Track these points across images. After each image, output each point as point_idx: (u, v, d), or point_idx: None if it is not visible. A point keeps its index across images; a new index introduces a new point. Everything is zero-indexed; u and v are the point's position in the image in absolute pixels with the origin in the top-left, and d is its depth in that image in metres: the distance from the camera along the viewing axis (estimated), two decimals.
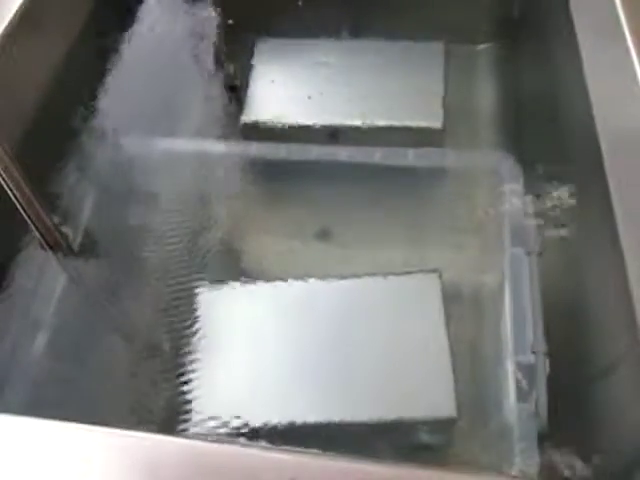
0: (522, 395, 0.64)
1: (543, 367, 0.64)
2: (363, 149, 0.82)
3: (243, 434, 0.64)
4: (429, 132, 0.85)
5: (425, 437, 0.65)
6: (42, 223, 0.68)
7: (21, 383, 0.67)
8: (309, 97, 0.89)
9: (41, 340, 0.69)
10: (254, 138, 0.87)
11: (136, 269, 0.76)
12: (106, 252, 0.76)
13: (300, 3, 0.96)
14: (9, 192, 0.65)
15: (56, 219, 0.70)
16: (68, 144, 0.80)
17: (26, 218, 0.66)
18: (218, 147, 0.86)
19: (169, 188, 0.81)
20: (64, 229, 0.72)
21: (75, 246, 0.74)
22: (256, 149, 0.85)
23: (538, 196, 0.75)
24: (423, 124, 0.85)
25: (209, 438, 0.61)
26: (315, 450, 0.54)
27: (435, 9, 0.94)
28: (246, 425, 0.64)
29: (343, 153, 0.82)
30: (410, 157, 0.80)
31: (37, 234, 0.69)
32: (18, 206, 0.65)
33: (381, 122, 0.86)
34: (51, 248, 0.71)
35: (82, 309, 0.73)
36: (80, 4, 0.84)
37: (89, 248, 0.75)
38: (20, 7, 0.70)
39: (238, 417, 0.64)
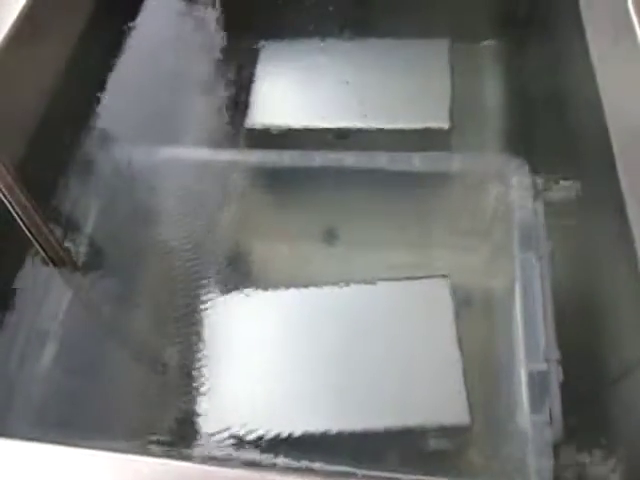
0: (535, 404, 0.63)
1: (556, 375, 0.63)
2: (369, 154, 0.81)
3: (254, 445, 0.63)
4: (436, 133, 0.84)
5: (438, 444, 0.64)
6: (45, 239, 0.67)
7: (27, 399, 0.67)
8: (313, 100, 0.88)
9: (47, 356, 0.69)
10: (258, 142, 0.87)
11: (142, 281, 0.75)
12: (111, 265, 0.75)
13: (304, 3, 0.95)
14: (10, 209, 0.64)
15: (59, 234, 0.70)
16: (69, 157, 0.79)
17: (28, 234, 0.66)
18: (222, 155, 0.85)
19: (174, 198, 0.81)
20: (67, 244, 0.72)
21: (79, 261, 0.73)
22: (260, 156, 0.84)
23: (547, 198, 0.73)
24: (430, 125, 0.84)
25: (220, 461, 0.61)
26: (332, 468, 0.53)
27: (439, 6, 0.93)
28: (257, 436, 0.64)
29: (349, 159, 0.81)
30: (416, 161, 0.79)
31: (40, 250, 0.68)
32: (20, 223, 0.65)
33: (387, 124, 0.85)
34: (54, 264, 0.71)
35: (87, 324, 0.73)
36: (78, 14, 0.84)
37: (93, 262, 0.74)
38: (14, 23, 0.69)
39: (248, 427, 0.64)
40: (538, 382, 0.63)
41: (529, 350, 0.64)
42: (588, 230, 0.70)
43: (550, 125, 0.81)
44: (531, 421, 0.62)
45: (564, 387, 0.63)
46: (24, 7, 0.73)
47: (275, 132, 0.86)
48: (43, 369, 0.68)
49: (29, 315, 0.70)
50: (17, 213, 0.65)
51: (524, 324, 0.66)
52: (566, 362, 0.63)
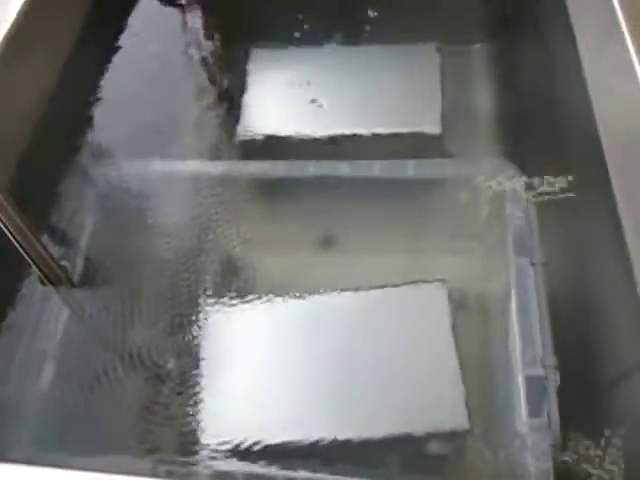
0: (533, 408, 0.63)
1: (554, 379, 0.63)
2: (362, 163, 0.81)
3: (254, 454, 0.63)
4: (428, 137, 0.84)
5: (437, 450, 0.65)
6: (40, 258, 0.67)
7: (26, 418, 0.67)
8: (305, 106, 0.88)
9: (45, 375, 0.69)
10: (251, 150, 0.87)
11: (138, 295, 0.75)
12: (107, 281, 0.75)
13: (294, 11, 0.94)
14: (4, 228, 0.64)
15: (55, 253, 0.70)
16: (62, 173, 0.79)
17: (23, 254, 0.66)
18: (217, 166, 0.85)
19: (168, 210, 0.81)
20: (63, 263, 0.71)
21: (75, 279, 0.73)
22: (255, 167, 0.84)
23: (540, 202, 0.74)
24: (421, 130, 0.84)
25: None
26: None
27: (429, 11, 0.93)
28: (257, 445, 0.64)
29: (343, 167, 0.81)
30: (410, 169, 0.79)
31: (35, 269, 0.68)
32: (15, 243, 0.65)
33: (379, 129, 0.85)
34: (51, 283, 0.71)
35: (85, 341, 0.73)
36: (68, 28, 0.83)
37: (89, 279, 0.74)
38: (4, 39, 0.69)
39: (249, 437, 0.64)
40: (535, 387, 0.64)
41: (526, 356, 0.65)
42: (581, 233, 0.71)
43: (542, 127, 0.81)
44: (529, 425, 0.63)
45: (561, 391, 0.63)
46: (14, 22, 0.72)
47: (267, 139, 0.86)
48: (41, 388, 0.68)
49: (27, 334, 0.70)
50: (11, 232, 0.64)
51: (520, 330, 0.66)
52: (562, 366, 0.64)
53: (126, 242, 0.79)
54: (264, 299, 0.73)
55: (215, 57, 0.94)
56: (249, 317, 0.73)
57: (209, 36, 0.95)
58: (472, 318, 0.72)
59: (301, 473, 0.62)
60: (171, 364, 0.70)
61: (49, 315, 0.71)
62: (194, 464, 0.63)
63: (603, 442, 0.60)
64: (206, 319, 0.72)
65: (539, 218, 0.72)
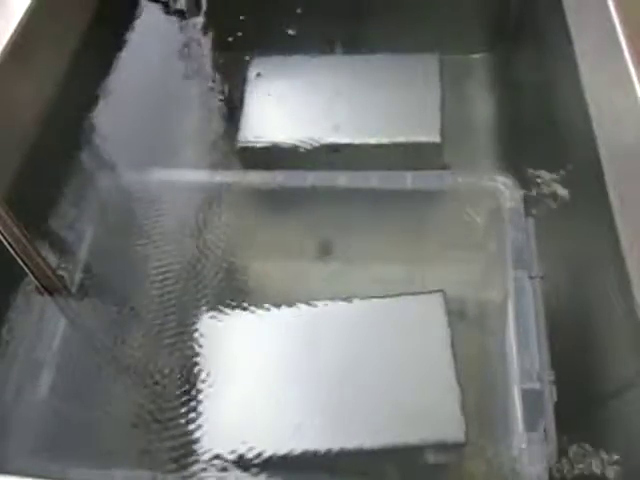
0: (530, 422, 0.63)
1: (550, 394, 0.63)
2: (361, 173, 0.81)
3: (252, 464, 0.63)
4: (427, 147, 0.84)
5: (433, 462, 0.65)
6: (38, 268, 0.67)
7: (23, 428, 0.67)
8: (305, 116, 0.88)
9: (43, 385, 0.69)
10: (251, 159, 0.87)
11: (137, 304, 0.75)
12: (105, 291, 0.75)
13: (294, 19, 0.95)
14: (2, 238, 0.64)
15: (52, 262, 0.70)
16: (61, 182, 0.79)
17: (22, 264, 0.66)
18: (216, 176, 0.85)
19: (168, 219, 0.81)
20: (60, 272, 0.72)
21: (73, 289, 0.73)
22: (254, 177, 0.84)
23: (538, 215, 0.74)
24: (421, 139, 0.84)
25: None
26: None
27: (429, 20, 0.93)
28: (254, 455, 0.64)
29: (342, 178, 0.81)
30: (408, 180, 0.80)
31: (33, 279, 0.68)
32: (12, 252, 0.65)
33: (379, 138, 0.84)
34: (49, 292, 0.71)
35: (83, 351, 0.73)
36: (69, 38, 0.83)
37: (87, 289, 0.74)
38: (4, 49, 0.69)
39: (245, 447, 0.64)
40: (532, 401, 0.64)
41: (523, 370, 0.65)
42: (579, 246, 0.71)
43: (541, 139, 0.81)
44: (526, 439, 0.63)
45: (557, 405, 0.63)
46: (14, 32, 0.73)
47: (266, 149, 0.86)
48: (39, 398, 0.68)
49: (24, 344, 0.70)
50: (9, 242, 0.64)
51: (518, 343, 0.66)
52: (559, 380, 0.64)
53: (124, 252, 0.79)
54: (262, 308, 0.73)
55: (215, 65, 0.94)
56: (247, 326, 0.73)
57: (209, 44, 0.95)
58: (470, 330, 0.72)
59: None
60: (170, 374, 0.70)
61: (46, 325, 0.71)
62: (193, 475, 0.63)
63: (600, 457, 0.60)
64: (205, 328, 0.72)
65: (537, 231, 0.72)
